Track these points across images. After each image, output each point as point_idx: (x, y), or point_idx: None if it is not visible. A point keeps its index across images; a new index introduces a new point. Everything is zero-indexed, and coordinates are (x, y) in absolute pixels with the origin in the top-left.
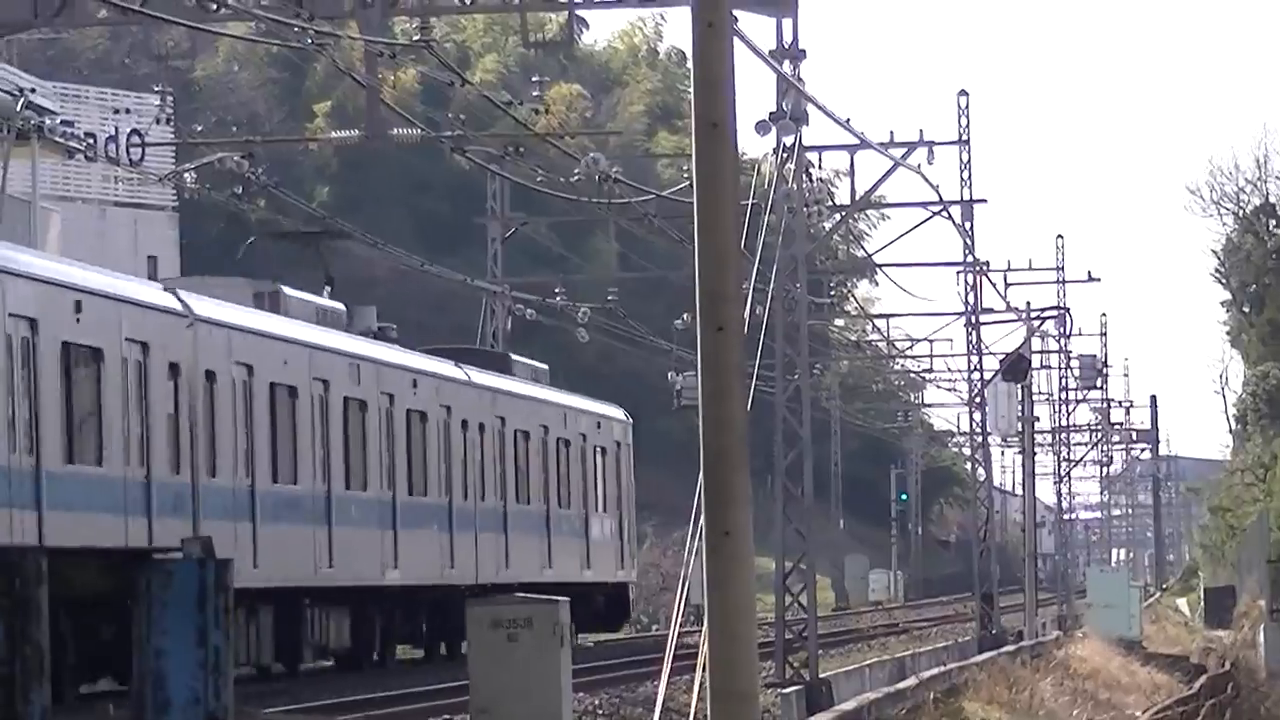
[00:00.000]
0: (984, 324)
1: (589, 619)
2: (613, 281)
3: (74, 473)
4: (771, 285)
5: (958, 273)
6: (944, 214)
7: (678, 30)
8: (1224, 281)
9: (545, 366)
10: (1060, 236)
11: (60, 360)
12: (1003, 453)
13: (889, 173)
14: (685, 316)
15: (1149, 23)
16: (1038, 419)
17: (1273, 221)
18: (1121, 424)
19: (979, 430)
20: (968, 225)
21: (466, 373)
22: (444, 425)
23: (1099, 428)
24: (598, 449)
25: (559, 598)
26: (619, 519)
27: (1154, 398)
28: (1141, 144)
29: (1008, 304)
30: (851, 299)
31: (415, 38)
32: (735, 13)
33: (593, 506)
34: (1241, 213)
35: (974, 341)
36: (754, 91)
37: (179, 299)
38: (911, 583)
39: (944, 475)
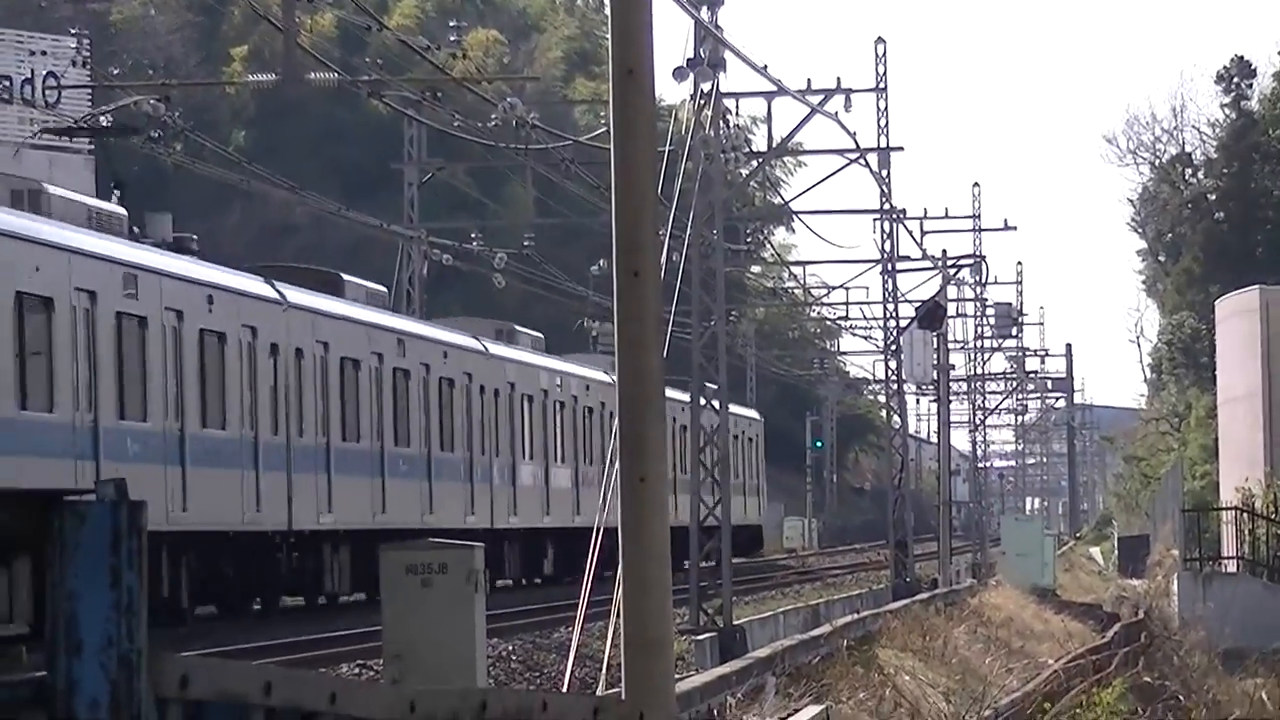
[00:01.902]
0: (900, 272)
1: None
2: (529, 227)
3: None
4: (688, 232)
5: (874, 220)
6: (861, 161)
7: None
8: (1140, 231)
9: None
10: (976, 184)
11: None
12: (918, 400)
13: (806, 119)
14: (602, 263)
15: None
16: (953, 367)
17: (1189, 171)
18: (1037, 372)
19: (894, 378)
20: (884, 173)
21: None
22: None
23: (1014, 376)
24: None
25: (474, 543)
26: (758, 488)
27: (1069, 346)
28: (1059, 93)
29: (924, 252)
30: (768, 246)
31: None
32: None
33: (745, 479)
34: (1158, 162)
35: (890, 289)
36: (671, 37)
37: None
38: (826, 530)
39: (859, 423)
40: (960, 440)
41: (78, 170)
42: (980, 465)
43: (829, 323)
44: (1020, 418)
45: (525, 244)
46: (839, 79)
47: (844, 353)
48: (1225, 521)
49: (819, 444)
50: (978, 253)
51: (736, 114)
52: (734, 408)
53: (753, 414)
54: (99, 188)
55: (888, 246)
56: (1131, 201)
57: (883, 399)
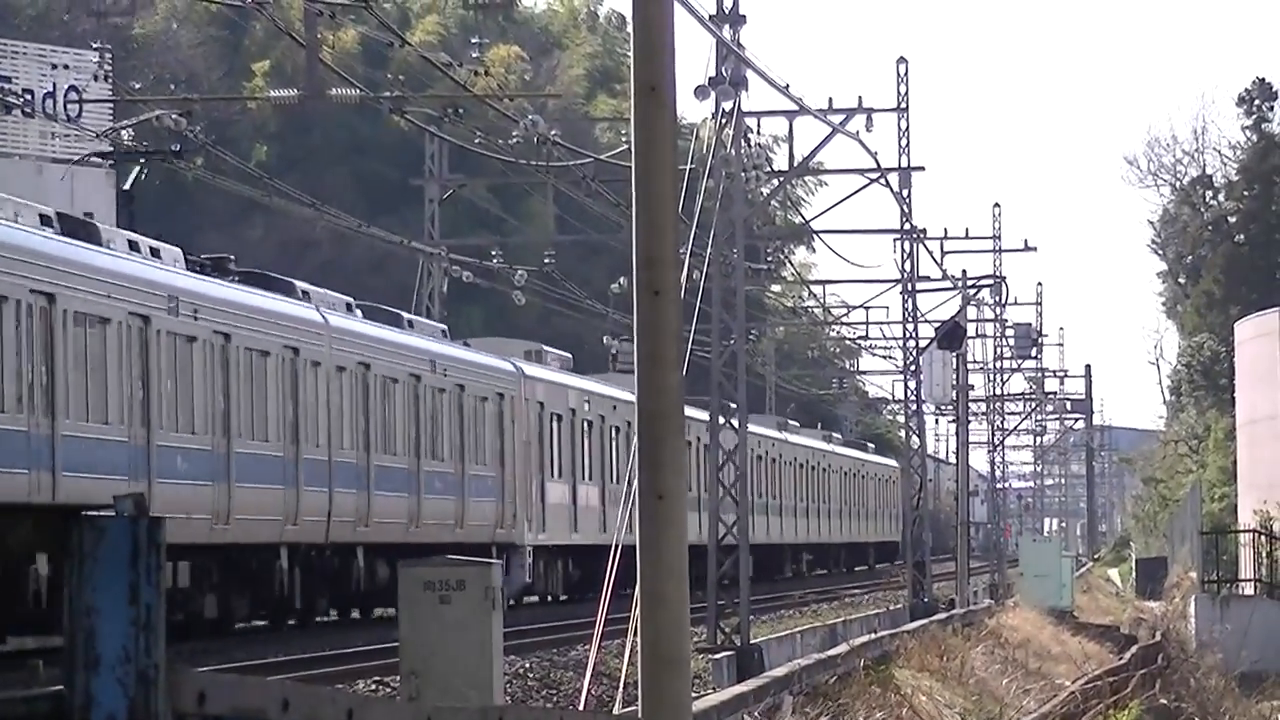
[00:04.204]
0: (920, 291)
1: (881, 556)
2: (550, 244)
3: None
4: (709, 250)
5: (894, 240)
6: (882, 181)
7: None
8: (1160, 252)
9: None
10: (997, 205)
11: None
12: (937, 421)
13: (827, 139)
14: (622, 280)
15: None
16: (972, 387)
17: (1209, 193)
18: (1056, 393)
19: (913, 398)
20: (905, 193)
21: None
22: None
23: (1033, 397)
24: (886, 481)
25: (491, 560)
26: (898, 515)
27: (1089, 367)
28: (1080, 114)
29: (944, 272)
30: (788, 265)
31: None
32: None
33: (889, 509)
34: (1179, 184)
35: (910, 309)
36: (693, 56)
37: None
38: None
39: (878, 442)
40: (979, 461)
41: (99, 185)
42: (999, 486)
43: (849, 342)
44: (1039, 439)
45: (546, 261)
46: (860, 98)
47: (863, 372)
48: (1243, 544)
49: None
50: (998, 273)
51: (758, 133)
52: (876, 458)
53: (892, 462)
54: (119, 203)
55: (908, 266)
56: (1152, 223)
57: (902, 419)
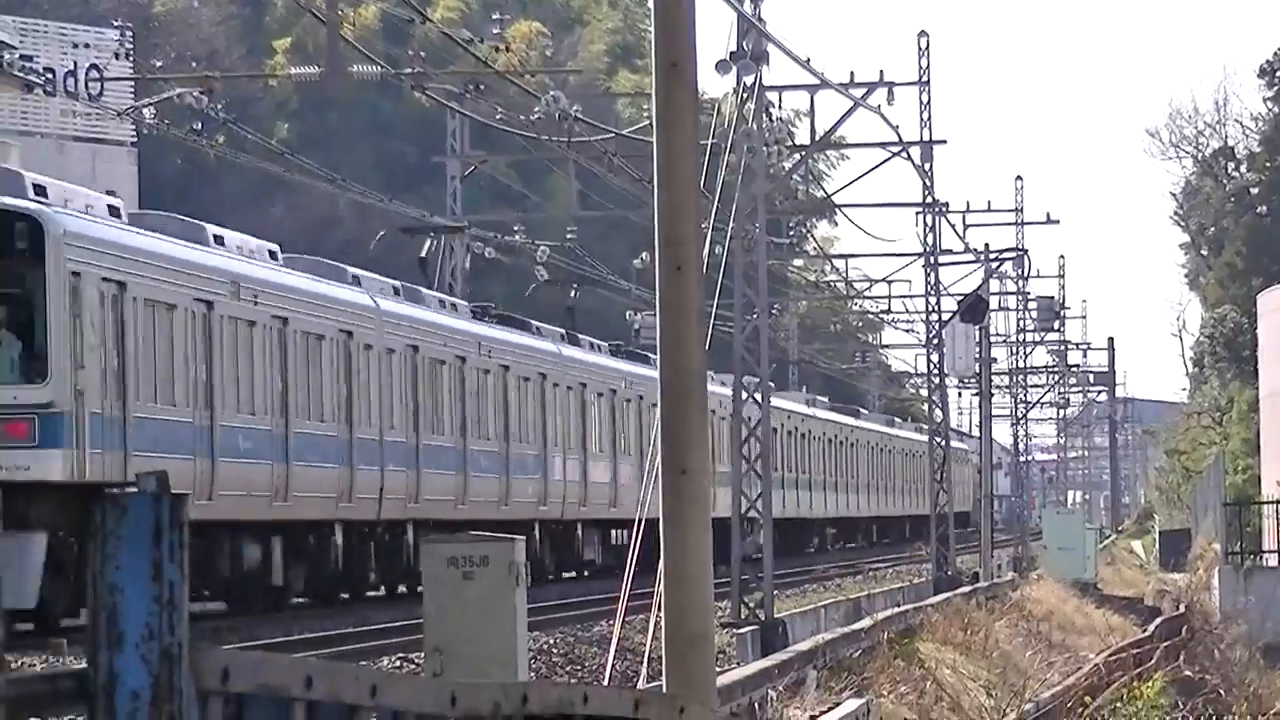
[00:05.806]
0: (942, 265)
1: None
2: (572, 220)
3: None
4: (730, 225)
5: (917, 213)
6: (903, 155)
7: None
8: (1183, 224)
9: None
10: (1019, 178)
11: None
12: (960, 394)
13: (849, 113)
14: (644, 256)
15: None
16: (995, 360)
17: (1231, 164)
18: (1079, 366)
19: (936, 371)
20: (927, 166)
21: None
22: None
23: (1056, 369)
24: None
25: (514, 536)
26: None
27: (1111, 340)
28: (1102, 86)
29: (966, 245)
30: (811, 239)
31: None
32: None
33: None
34: (1200, 156)
35: (932, 282)
36: (714, 31)
37: None
38: None
39: (901, 416)
40: (1002, 434)
41: (120, 162)
42: (1022, 459)
43: (871, 316)
44: (1062, 411)
45: (568, 237)
46: (882, 72)
47: (886, 346)
48: (1267, 515)
49: None
50: (1020, 246)
51: (779, 107)
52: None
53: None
54: (141, 180)
55: (930, 240)
56: (1174, 195)
57: (925, 393)
